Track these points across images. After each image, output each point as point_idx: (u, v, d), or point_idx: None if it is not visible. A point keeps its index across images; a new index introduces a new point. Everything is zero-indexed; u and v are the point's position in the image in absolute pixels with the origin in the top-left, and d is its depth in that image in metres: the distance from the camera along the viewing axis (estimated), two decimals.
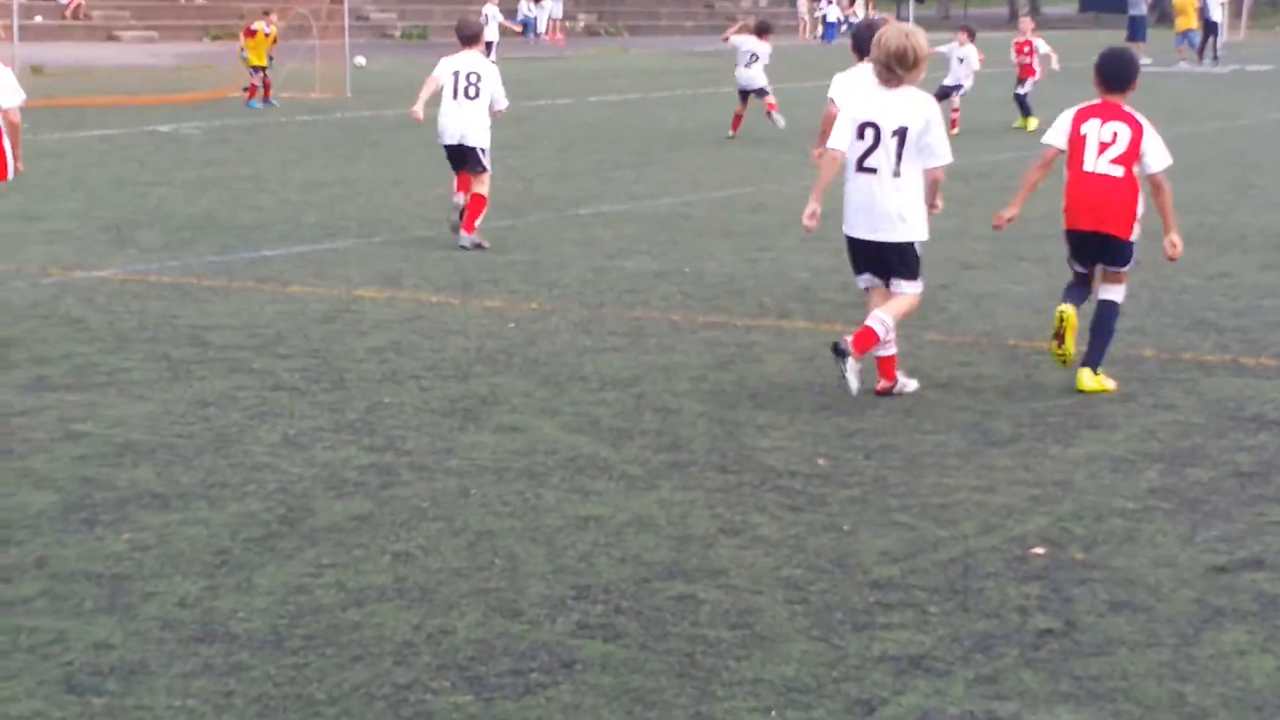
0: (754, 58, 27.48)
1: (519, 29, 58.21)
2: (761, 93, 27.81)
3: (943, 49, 27.94)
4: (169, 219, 17.69)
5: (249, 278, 14.30)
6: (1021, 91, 29.95)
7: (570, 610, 6.85)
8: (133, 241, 16.17)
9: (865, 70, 11.64)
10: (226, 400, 10.22)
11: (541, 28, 67.29)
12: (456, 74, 16.33)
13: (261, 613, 6.80)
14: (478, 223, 16.07)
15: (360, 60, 28.99)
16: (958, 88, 28.55)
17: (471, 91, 16.27)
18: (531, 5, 67.99)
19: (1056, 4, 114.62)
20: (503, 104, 16.42)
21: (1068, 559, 7.50)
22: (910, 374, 10.69)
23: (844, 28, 73.70)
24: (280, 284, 14.02)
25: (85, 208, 17.31)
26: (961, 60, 28.54)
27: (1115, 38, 41.22)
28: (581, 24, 71.16)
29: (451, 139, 16.32)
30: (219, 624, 6.68)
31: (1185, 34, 51.57)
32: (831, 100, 12.70)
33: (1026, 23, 32.65)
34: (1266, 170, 23.15)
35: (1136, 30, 51.00)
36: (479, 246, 15.94)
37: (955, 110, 28.02)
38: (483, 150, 16.21)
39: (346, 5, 37.61)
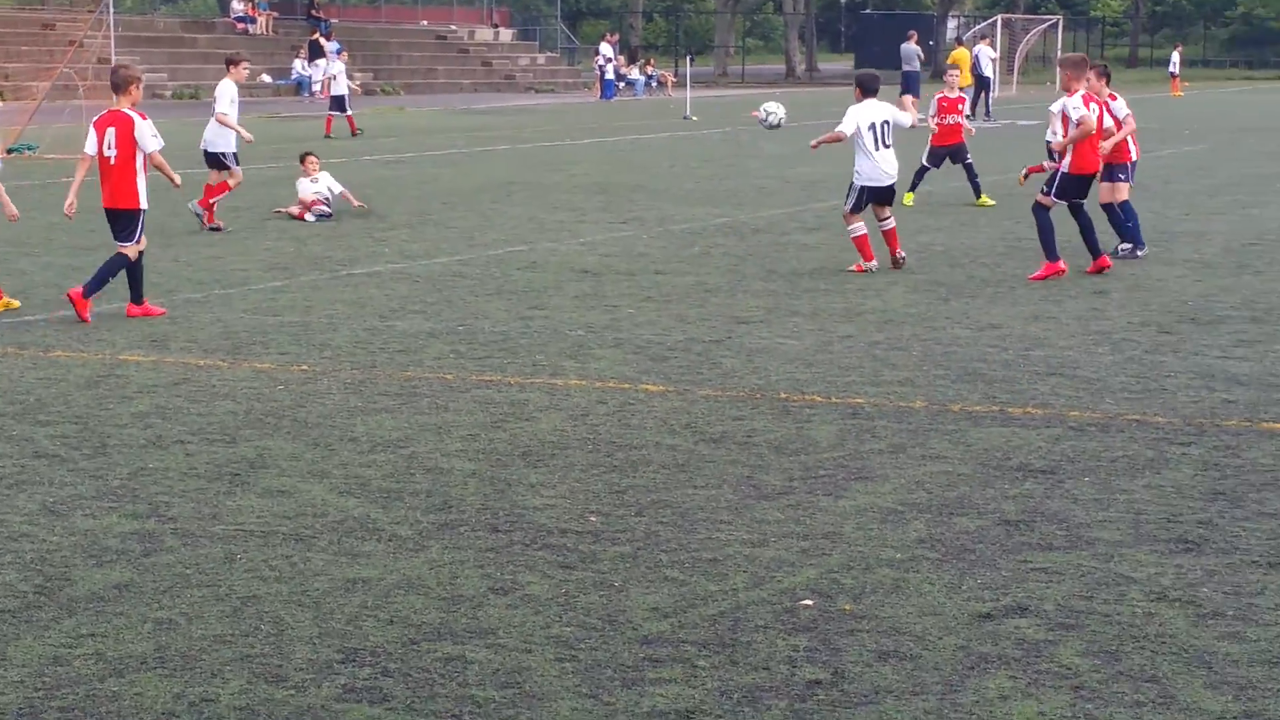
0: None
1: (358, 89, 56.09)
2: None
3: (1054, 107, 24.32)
4: None
5: (9, 343, 13.97)
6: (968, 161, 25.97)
7: (337, 674, 6.75)
8: None
9: (870, 104, 18.14)
10: None
11: (316, 86, 66.79)
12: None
13: (16, 685, 6.61)
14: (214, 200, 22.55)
15: None
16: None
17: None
18: (305, 64, 67.58)
19: (830, 61, 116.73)
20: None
21: (836, 610, 7.54)
22: (684, 427, 10.73)
23: (621, 85, 74.13)
24: (41, 349, 13.71)
25: None
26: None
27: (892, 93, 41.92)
28: (358, 82, 70.85)
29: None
30: None
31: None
32: (843, 125, 18.11)
33: (954, 76, 28.09)
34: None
35: (910, 85, 51.90)
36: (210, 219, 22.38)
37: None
38: (224, 154, 22.47)
39: (114, 66, 37.07)
